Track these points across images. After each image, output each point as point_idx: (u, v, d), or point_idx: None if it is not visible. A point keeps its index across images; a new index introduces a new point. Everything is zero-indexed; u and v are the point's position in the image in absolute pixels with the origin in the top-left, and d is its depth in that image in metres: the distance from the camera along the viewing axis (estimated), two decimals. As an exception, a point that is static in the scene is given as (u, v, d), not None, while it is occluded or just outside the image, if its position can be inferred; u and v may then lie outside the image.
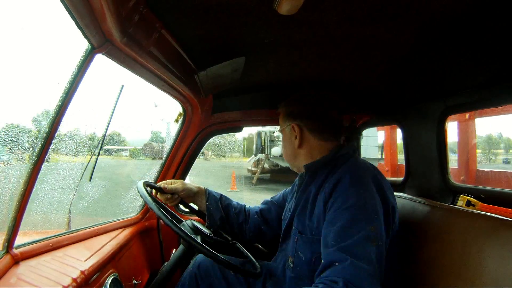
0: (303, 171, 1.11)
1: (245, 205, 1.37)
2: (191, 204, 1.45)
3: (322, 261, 0.83)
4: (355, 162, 1.00)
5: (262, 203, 1.39)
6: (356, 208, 0.85)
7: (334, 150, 1.04)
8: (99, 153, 1.52)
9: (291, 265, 1.01)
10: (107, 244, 1.16)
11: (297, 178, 1.20)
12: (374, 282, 0.78)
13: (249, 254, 1.25)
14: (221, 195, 1.33)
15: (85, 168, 1.44)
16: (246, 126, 1.70)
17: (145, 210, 1.57)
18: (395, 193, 1.01)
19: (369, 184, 0.90)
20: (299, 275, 0.98)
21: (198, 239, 1.04)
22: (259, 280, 1.12)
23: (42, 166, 0.84)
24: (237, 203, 1.36)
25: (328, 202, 0.91)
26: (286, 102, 1.15)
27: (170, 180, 1.28)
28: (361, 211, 0.85)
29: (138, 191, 1.09)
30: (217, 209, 1.27)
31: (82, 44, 0.75)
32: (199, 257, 1.27)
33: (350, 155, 1.04)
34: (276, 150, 11.70)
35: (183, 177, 1.65)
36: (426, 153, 1.38)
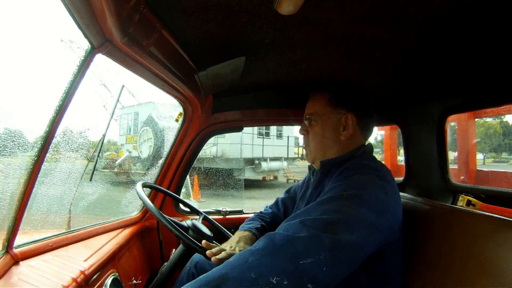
0: (316, 168, 1.07)
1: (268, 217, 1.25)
2: (192, 204, 1.45)
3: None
4: (367, 159, 0.97)
5: (276, 205, 1.29)
6: (340, 182, 0.83)
7: (356, 149, 1.01)
8: (99, 153, 1.52)
9: None
10: (107, 244, 1.16)
11: (308, 174, 1.15)
12: (316, 232, 0.70)
13: None
14: (263, 228, 1.16)
15: (85, 168, 1.44)
16: (246, 126, 1.70)
17: (145, 210, 1.57)
18: None
19: (367, 174, 0.86)
20: None
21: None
22: None
23: (42, 166, 0.84)
24: (267, 218, 1.23)
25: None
26: (336, 87, 1.06)
27: (216, 249, 0.95)
28: (342, 183, 0.82)
29: (137, 193, 1.09)
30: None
31: (82, 44, 0.75)
32: (196, 256, 1.27)
33: (366, 154, 1.01)
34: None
35: (183, 176, 1.65)
36: (426, 153, 1.38)
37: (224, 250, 0.95)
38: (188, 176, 1.69)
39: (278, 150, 12.25)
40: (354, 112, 1.01)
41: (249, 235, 1.08)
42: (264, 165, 11.37)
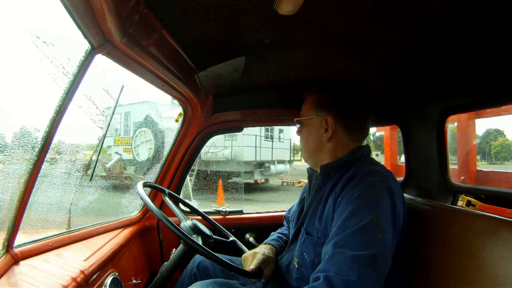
0: (317, 170, 1.07)
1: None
2: (191, 203, 1.45)
3: (321, 255, 0.83)
4: (369, 163, 0.99)
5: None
6: (359, 199, 0.84)
7: (353, 151, 1.01)
8: (99, 153, 1.52)
9: (296, 266, 1.01)
10: (107, 244, 1.16)
11: (308, 179, 1.16)
12: (366, 270, 0.75)
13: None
14: (279, 238, 1.24)
15: (87, 168, 1.44)
16: (246, 126, 1.70)
17: (145, 210, 1.57)
18: None
19: (377, 181, 0.88)
20: (303, 276, 0.97)
21: (199, 241, 1.05)
22: None
23: (42, 166, 0.84)
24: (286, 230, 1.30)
25: (336, 202, 0.90)
26: (321, 90, 1.06)
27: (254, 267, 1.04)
28: (364, 202, 0.83)
29: (138, 192, 1.09)
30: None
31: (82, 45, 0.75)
32: (198, 256, 1.27)
33: (365, 156, 1.02)
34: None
35: (183, 177, 1.65)
36: (426, 153, 1.38)
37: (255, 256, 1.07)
38: (188, 177, 1.69)
39: (281, 153, 12.16)
40: (333, 113, 1.01)
41: (270, 247, 1.16)
42: (273, 168, 11.29)
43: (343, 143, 1.02)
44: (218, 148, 9.97)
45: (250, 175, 10.92)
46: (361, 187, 0.86)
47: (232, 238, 1.32)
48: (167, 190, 1.28)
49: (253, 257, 1.08)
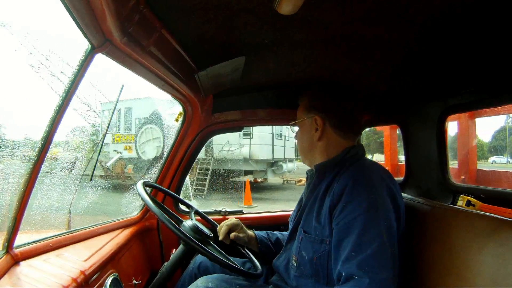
0: (313, 169, 1.09)
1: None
2: (192, 204, 1.45)
3: (343, 273, 0.83)
4: (365, 163, 1.00)
5: None
6: (370, 213, 0.85)
7: (347, 150, 1.03)
8: (99, 153, 1.52)
9: (295, 264, 1.01)
10: (107, 244, 1.16)
11: (306, 179, 1.18)
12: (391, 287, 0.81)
13: (251, 254, 1.26)
14: (268, 233, 1.32)
15: (85, 168, 1.44)
16: (246, 126, 1.70)
17: (145, 210, 1.57)
18: None
19: (379, 187, 0.90)
20: (302, 274, 0.98)
21: (209, 249, 1.04)
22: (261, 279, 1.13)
23: (42, 166, 0.84)
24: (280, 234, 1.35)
25: (337, 206, 0.90)
26: (310, 93, 1.11)
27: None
28: (375, 217, 0.85)
29: (138, 192, 1.09)
30: (269, 249, 1.28)
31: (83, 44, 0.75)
32: (199, 257, 1.27)
33: (360, 155, 1.03)
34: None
35: (183, 176, 1.65)
36: (426, 153, 1.38)
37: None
38: (188, 177, 1.69)
39: (288, 151, 11.95)
40: (322, 113, 1.05)
41: (252, 237, 1.28)
42: (284, 166, 11.15)
43: (334, 141, 1.05)
44: (233, 146, 9.82)
45: (264, 174, 10.79)
46: (367, 197, 0.87)
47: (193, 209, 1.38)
48: (143, 181, 1.21)
49: (225, 224, 1.23)
